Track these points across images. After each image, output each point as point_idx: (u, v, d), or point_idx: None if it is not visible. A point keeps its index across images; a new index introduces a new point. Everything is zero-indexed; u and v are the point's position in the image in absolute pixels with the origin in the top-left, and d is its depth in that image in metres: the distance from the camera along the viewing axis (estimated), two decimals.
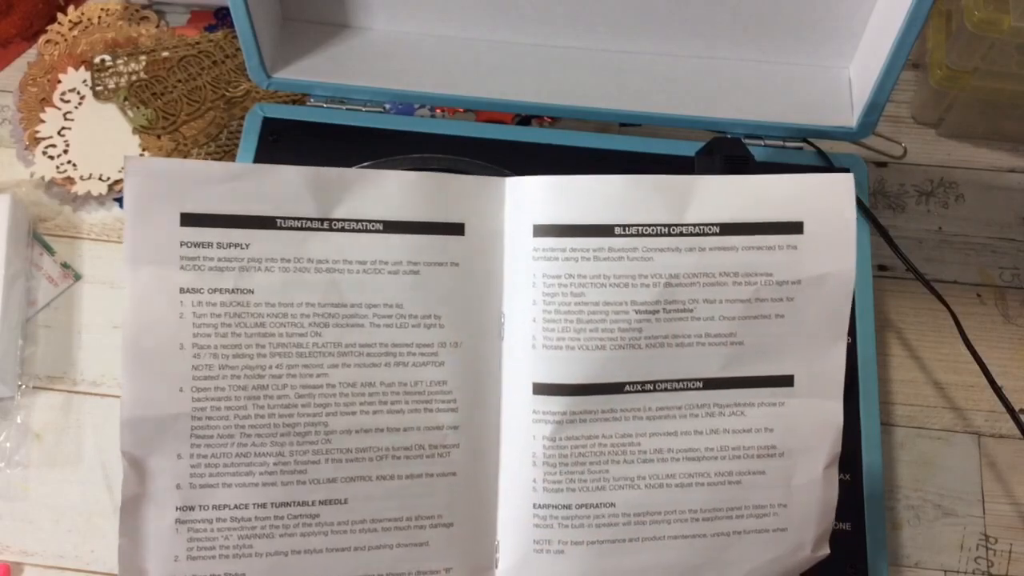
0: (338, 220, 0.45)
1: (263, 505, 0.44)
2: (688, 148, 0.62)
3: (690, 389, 0.46)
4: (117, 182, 0.70)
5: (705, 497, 0.46)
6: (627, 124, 0.69)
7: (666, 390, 0.46)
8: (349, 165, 0.62)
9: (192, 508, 0.43)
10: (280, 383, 0.44)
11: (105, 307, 0.67)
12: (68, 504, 0.61)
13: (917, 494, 0.61)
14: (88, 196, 0.70)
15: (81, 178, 0.70)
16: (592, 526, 0.45)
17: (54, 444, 0.63)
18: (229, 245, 0.43)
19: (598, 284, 0.45)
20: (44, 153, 0.71)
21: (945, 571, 0.59)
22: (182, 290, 0.43)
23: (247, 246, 0.44)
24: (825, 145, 0.64)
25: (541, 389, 0.46)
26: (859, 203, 0.62)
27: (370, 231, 0.45)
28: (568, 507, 0.45)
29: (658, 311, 0.45)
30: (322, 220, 0.45)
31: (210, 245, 0.43)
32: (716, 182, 0.46)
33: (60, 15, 0.77)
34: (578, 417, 0.45)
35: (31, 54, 0.77)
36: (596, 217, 0.46)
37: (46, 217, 0.70)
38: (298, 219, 0.44)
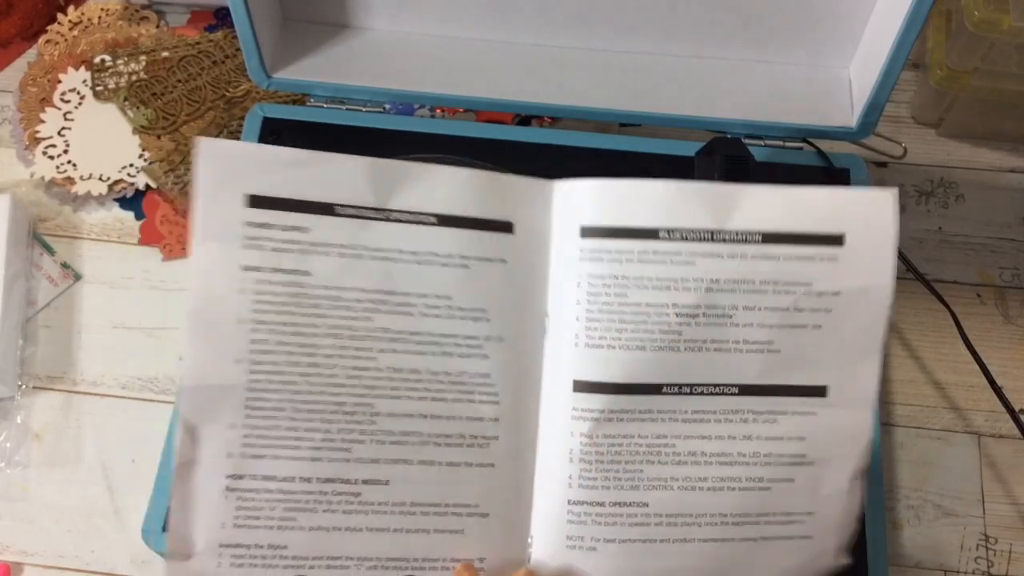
0: (394, 211, 0.46)
1: (308, 479, 0.44)
2: (688, 148, 0.62)
3: (726, 394, 0.46)
4: (117, 182, 0.70)
5: (736, 502, 0.46)
6: (627, 124, 0.69)
7: (703, 394, 0.46)
8: None
9: (242, 477, 0.44)
10: (331, 363, 0.45)
11: (105, 307, 0.67)
12: (68, 504, 0.61)
13: (917, 494, 0.61)
14: (88, 196, 0.70)
15: (81, 178, 0.70)
16: (625, 525, 0.46)
17: (54, 444, 0.63)
18: (291, 228, 0.45)
19: (641, 286, 0.46)
20: (44, 153, 0.71)
21: (945, 571, 0.59)
22: (244, 268, 0.44)
23: (308, 230, 0.45)
24: (825, 145, 0.64)
25: (581, 387, 0.46)
26: None
27: (424, 223, 0.47)
28: (602, 504, 0.46)
29: (698, 315, 0.46)
30: (378, 210, 0.46)
31: (273, 227, 0.45)
32: (761, 191, 0.47)
33: (60, 15, 0.77)
34: (616, 416, 0.46)
35: (31, 54, 0.77)
36: (642, 220, 0.47)
37: (46, 217, 0.70)
38: (356, 207, 0.46)
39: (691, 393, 0.46)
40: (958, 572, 0.59)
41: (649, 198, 0.47)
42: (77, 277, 0.68)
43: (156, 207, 0.70)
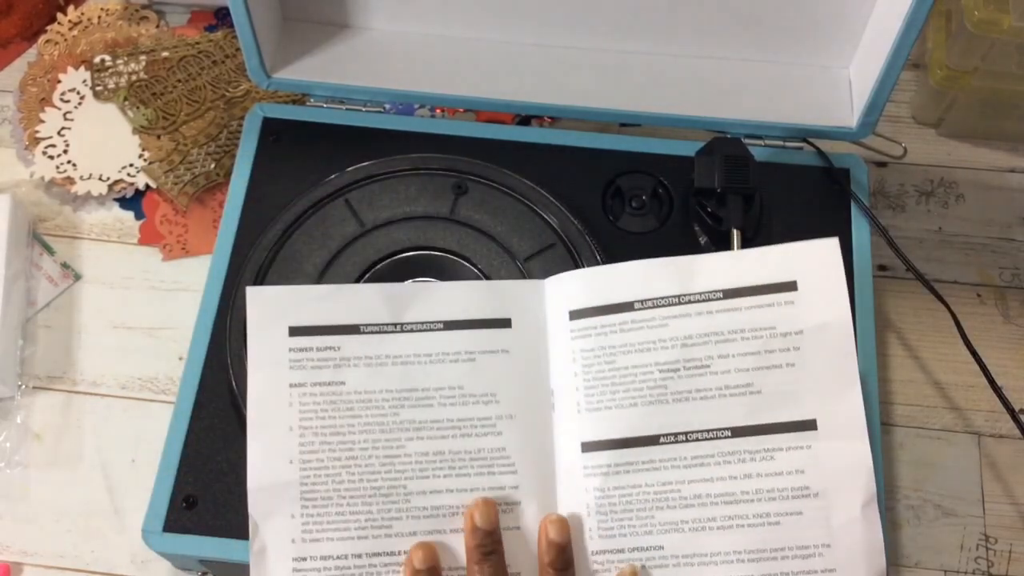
0: (407, 323, 0.54)
1: (359, 555, 0.51)
2: (688, 148, 0.62)
3: (720, 438, 0.51)
4: (117, 182, 0.70)
5: (747, 538, 0.49)
6: (627, 124, 0.69)
7: (697, 440, 0.51)
8: (348, 165, 0.62)
9: (304, 559, 0.51)
10: (367, 454, 0.52)
11: (105, 307, 0.67)
12: (68, 504, 0.61)
13: (917, 494, 0.61)
14: (88, 196, 0.70)
15: (81, 178, 0.70)
16: (646, 569, 0.50)
17: (54, 444, 0.63)
18: (325, 348, 0.53)
19: (626, 351, 0.52)
20: (44, 153, 0.71)
21: (945, 571, 0.59)
22: (291, 385, 0.53)
23: (339, 348, 0.54)
24: (825, 145, 0.64)
25: (588, 447, 0.52)
26: (859, 203, 0.62)
27: (433, 330, 0.54)
28: (622, 551, 0.50)
29: (679, 368, 0.52)
30: (395, 324, 0.54)
31: (311, 349, 0.53)
32: (716, 258, 0.53)
33: (60, 15, 0.77)
34: (623, 468, 0.51)
35: (31, 54, 0.77)
36: (618, 297, 0.53)
37: (46, 217, 0.70)
38: (376, 325, 0.54)
39: (687, 440, 0.51)
40: (958, 572, 0.59)
41: (622, 277, 0.54)
42: (77, 277, 0.68)
43: (156, 207, 0.70)
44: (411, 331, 0.54)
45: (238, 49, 0.73)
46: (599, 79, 0.64)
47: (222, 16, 0.78)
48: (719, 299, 0.52)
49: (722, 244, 0.60)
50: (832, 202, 0.63)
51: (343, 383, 0.53)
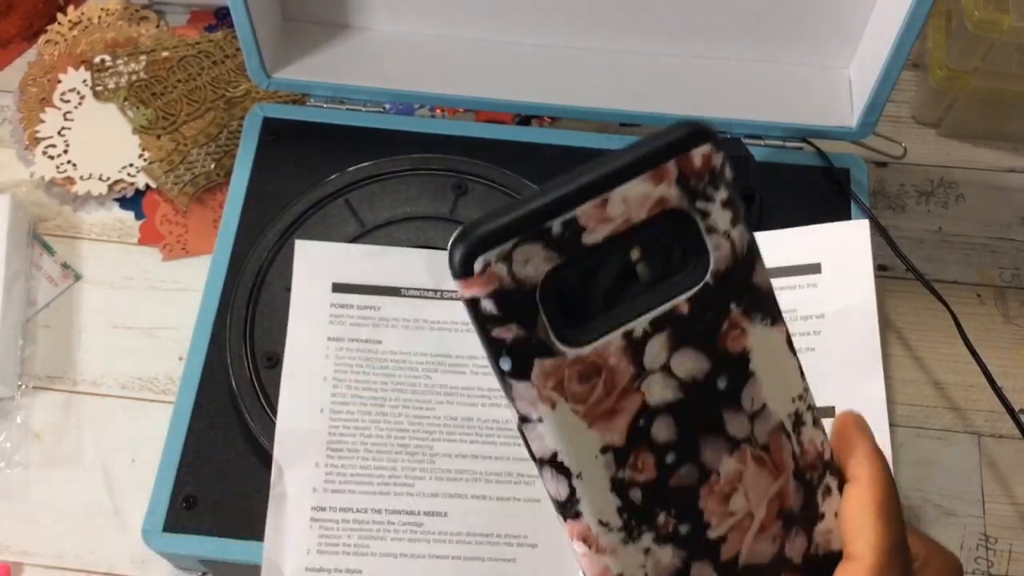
0: (448, 291, 0.56)
1: (379, 511, 0.52)
2: None
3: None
4: (117, 182, 0.70)
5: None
6: (627, 124, 0.69)
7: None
8: (349, 165, 0.62)
9: (324, 509, 0.51)
10: (397, 412, 0.53)
11: (105, 307, 0.67)
12: (68, 504, 0.61)
13: (917, 494, 0.61)
14: (88, 196, 0.70)
15: (81, 178, 0.70)
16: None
17: (54, 444, 0.63)
18: (366, 307, 0.55)
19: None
20: (44, 153, 0.71)
21: None
22: (329, 338, 0.54)
23: (379, 308, 0.55)
24: (825, 145, 0.64)
25: None
26: (859, 203, 0.62)
27: None
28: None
29: None
30: (435, 291, 0.56)
31: (352, 307, 0.55)
32: None
33: (60, 15, 0.77)
34: None
35: (31, 54, 0.77)
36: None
37: (46, 217, 0.70)
38: (417, 289, 0.56)
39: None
40: None
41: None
42: (77, 277, 0.68)
43: (156, 207, 0.70)
44: (451, 299, 0.56)
45: (238, 49, 0.73)
46: (599, 79, 0.64)
47: (222, 16, 0.78)
48: None
49: None
50: (832, 202, 0.63)
51: (380, 342, 0.54)
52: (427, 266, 0.56)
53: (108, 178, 0.70)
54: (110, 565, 0.59)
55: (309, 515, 0.51)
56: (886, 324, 0.66)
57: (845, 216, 0.62)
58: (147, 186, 0.70)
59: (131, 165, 0.71)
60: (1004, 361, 0.65)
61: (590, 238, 0.28)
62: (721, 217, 0.28)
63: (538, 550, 0.51)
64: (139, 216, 0.70)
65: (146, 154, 0.71)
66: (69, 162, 0.71)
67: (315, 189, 0.61)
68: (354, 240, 0.60)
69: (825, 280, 0.51)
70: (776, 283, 0.49)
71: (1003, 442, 0.63)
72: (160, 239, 0.69)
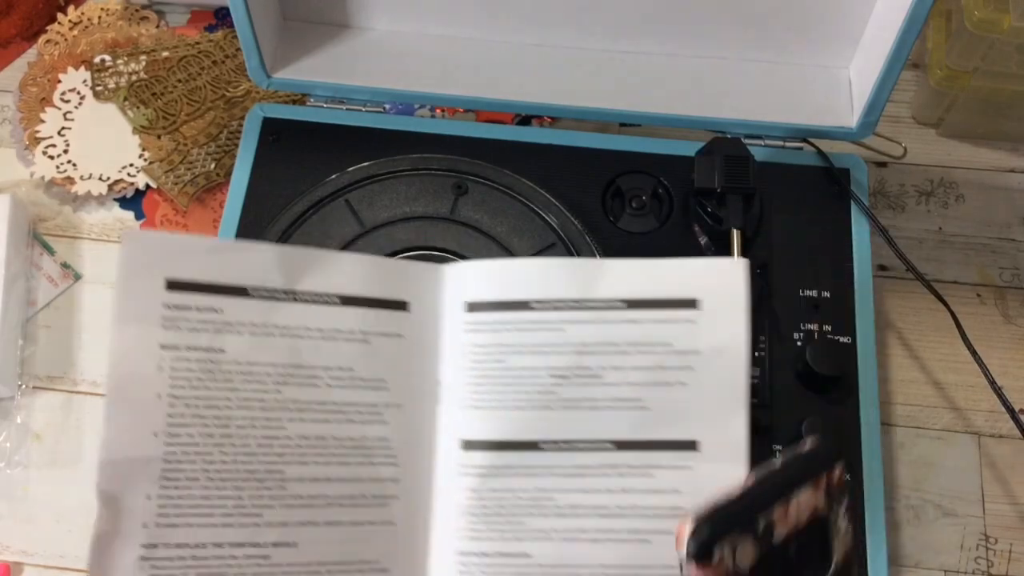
0: (301, 292, 0.51)
1: (220, 545, 0.47)
2: (688, 148, 0.62)
3: (602, 450, 0.49)
4: (117, 182, 0.70)
5: (616, 553, 0.48)
6: (627, 124, 0.69)
7: (579, 450, 0.49)
8: (349, 165, 0.62)
9: (156, 546, 0.46)
10: (243, 433, 0.48)
11: (105, 307, 0.67)
12: (68, 504, 0.61)
13: (917, 494, 0.61)
14: (88, 196, 0.70)
15: (81, 178, 0.70)
16: (509, 574, 0.48)
17: (54, 444, 0.63)
18: (206, 309, 0.48)
19: (518, 352, 0.51)
20: (44, 153, 0.71)
21: (945, 571, 0.59)
22: (162, 346, 0.47)
23: (221, 311, 0.49)
24: (825, 145, 0.64)
25: (468, 445, 0.50)
26: (859, 203, 0.62)
27: (328, 303, 0.51)
28: (486, 555, 0.49)
29: (570, 376, 0.50)
30: (287, 292, 0.50)
31: (189, 308, 0.48)
32: (622, 264, 0.52)
33: (60, 15, 0.77)
34: (499, 471, 0.49)
35: (31, 54, 0.77)
36: (517, 294, 0.51)
37: (46, 217, 0.70)
38: (267, 290, 0.50)
39: (569, 449, 0.49)
40: (958, 572, 0.59)
41: (523, 274, 0.52)
42: (77, 277, 0.68)
43: (156, 207, 0.70)
44: (305, 301, 0.50)
45: (238, 49, 0.73)
46: (599, 79, 0.64)
47: (222, 16, 0.78)
48: (620, 309, 0.51)
49: (722, 244, 0.60)
50: (832, 202, 0.63)
51: (223, 351, 0.48)
52: (278, 263, 0.50)
53: (108, 178, 0.70)
54: None
55: (138, 554, 0.45)
56: (886, 324, 0.66)
57: (845, 216, 0.62)
58: (147, 186, 0.70)
59: (131, 165, 0.71)
60: (1004, 361, 0.65)
61: (776, 537, 0.34)
62: (843, 521, 0.37)
63: (390, 574, 0.49)
64: (139, 216, 0.70)
65: (146, 154, 0.71)
66: (69, 162, 0.71)
67: (315, 189, 0.61)
68: (354, 240, 0.60)
69: (702, 316, 0.50)
70: (652, 315, 0.50)
71: (1003, 442, 0.63)
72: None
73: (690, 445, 0.49)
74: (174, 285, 0.48)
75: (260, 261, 0.50)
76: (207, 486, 0.47)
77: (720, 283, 0.51)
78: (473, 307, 0.52)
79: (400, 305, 0.52)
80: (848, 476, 0.47)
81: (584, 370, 0.50)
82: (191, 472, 0.47)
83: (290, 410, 0.49)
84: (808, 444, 0.41)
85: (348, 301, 0.51)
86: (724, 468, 0.49)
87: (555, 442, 0.50)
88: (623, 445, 0.49)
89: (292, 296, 0.50)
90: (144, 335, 0.47)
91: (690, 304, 0.50)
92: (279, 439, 0.48)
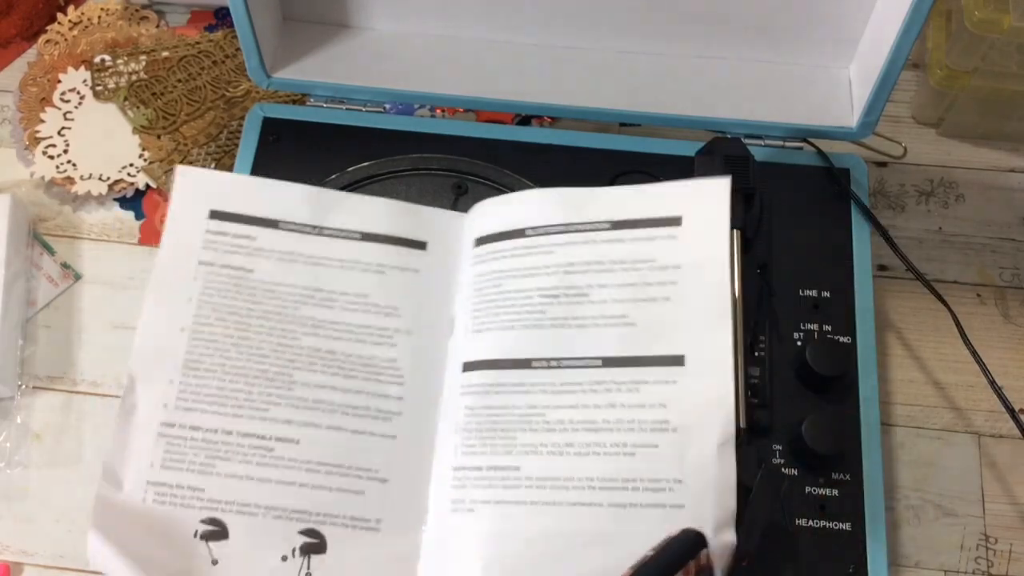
0: (327, 228, 0.57)
1: (229, 432, 0.52)
2: (688, 148, 0.62)
3: (590, 367, 0.51)
4: (117, 182, 0.70)
5: (602, 466, 0.49)
6: (627, 124, 0.69)
7: (569, 367, 0.52)
8: (349, 165, 0.63)
9: (172, 425, 0.52)
10: (260, 339, 0.54)
11: (105, 307, 0.67)
12: (68, 504, 0.61)
13: (917, 494, 0.61)
14: (88, 196, 0.70)
15: (81, 178, 0.70)
16: (499, 487, 0.50)
17: (54, 444, 0.63)
18: (241, 236, 0.56)
19: (512, 276, 0.54)
20: (44, 153, 0.71)
21: (945, 571, 0.59)
22: (200, 263, 0.55)
23: (254, 238, 0.56)
24: (825, 145, 0.64)
25: (469, 367, 0.53)
26: (859, 203, 0.62)
27: (350, 239, 0.57)
28: (479, 468, 0.51)
29: (559, 295, 0.53)
30: (313, 227, 0.57)
31: (227, 235, 0.56)
32: (612, 190, 0.55)
33: (60, 15, 0.77)
34: (493, 389, 0.52)
35: (31, 54, 0.77)
36: (514, 223, 0.55)
37: (46, 217, 0.70)
38: (296, 224, 0.57)
39: (558, 367, 0.52)
40: (958, 572, 0.59)
41: (520, 204, 0.56)
42: (77, 277, 0.68)
43: (156, 207, 0.70)
44: (328, 236, 0.56)
45: (238, 49, 0.73)
46: (599, 79, 0.64)
47: (222, 16, 0.78)
48: (605, 229, 0.53)
49: None
50: (832, 202, 0.63)
51: (252, 271, 0.55)
52: (308, 202, 0.57)
53: (108, 178, 0.70)
54: None
55: (157, 430, 0.52)
56: (886, 324, 0.66)
57: (845, 216, 0.62)
58: (147, 186, 0.70)
59: (131, 165, 0.71)
60: (1004, 361, 0.65)
61: None
62: None
63: (388, 485, 0.52)
64: (139, 216, 0.70)
65: (146, 154, 0.71)
66: (69, 162, 0.71)
67: None
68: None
69: (684, 233, 0.52)
70: (636, 234, 0.52)
71: (1003, 442, 0.63)
72: (160, 239, 0.69)
73: (676, 360, 0.50)
74: (216, 214, 0.56)
75: (292, 199, 0.57)
76: (222, 379, 0.53)
77: (703, 201, 0.53)
78: (479, 241, 0.56)
79: (418, 244, 0.57)
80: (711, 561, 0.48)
81: (572, 289, 0.53)
82: (210, 365, 0.53)
83: (305, 325, 0.54)
84: (677, 532, 0.45)
85: (368, 237, 0.56)
86: (709, 382, 0.50)
87: (546, 360, 0.52)
88: (610, 362, 0.51)
89: (318, 231, 0.56)
90: (187, 251, 0.55)
91: (673, 222, 0.52)
92: (292, 347, 0.54)
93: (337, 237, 0.56)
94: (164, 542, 0.50)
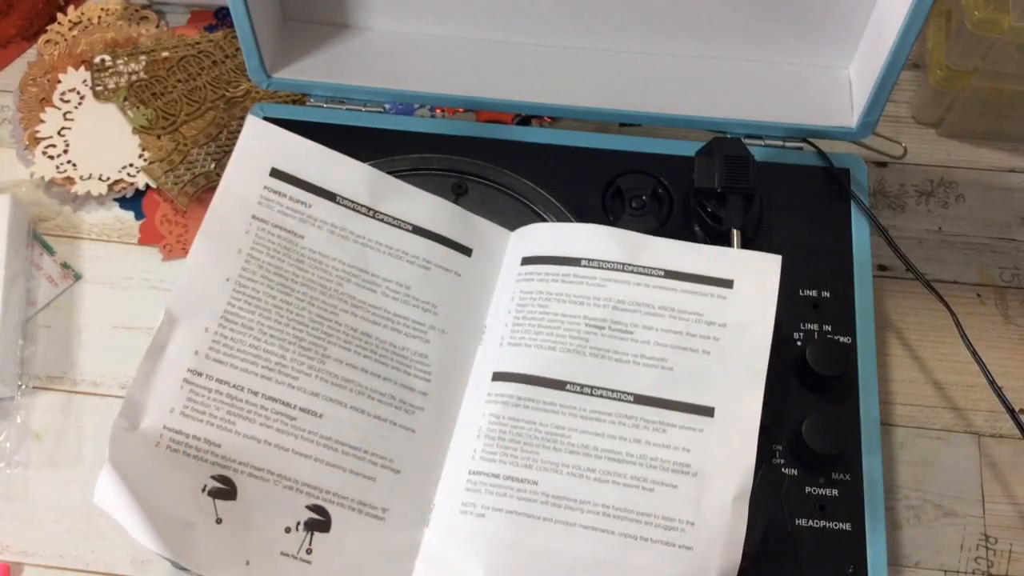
0: (381, 213, 0.57)
1: (255, 392, 0.51)
2: (688, 148, 0.62)
3: (622, 400, 0.52)
4: (117, 182, 0.70)
5: (618, 495, 0.50)
6: (627, 124, 0.69)
7: (601, 396, 0.52)
8: None
9: (200, 374, 0.51)
10: (301, 306, 0.54)
11: (105, 307, 0.67)
12: (68, 504, 0.61)
13: (917, 494, 0.61)
14: (88, 196, 0.70)
15: (81, 178, 0.70)
16: (514, 497, 0.50)
17: (54, 444, 0.63)
18: (297, 201, 0.56)
19: (560, 300, 0.54)
20: (44, 153, 0.71)
21: (945, 571, 0.59)
22: (254, 217, 0.55)
23: (310, 206, 0.56)
24: (825, 145, 0.64)
25: (499, 376, 0.54)
26: (859, 203, 0.62)
27: (402, 228, 0.57)
28: (496, 476, 0.51)
29: (604, 327, 0.54)
30: (369, 208, 0.57)
31: (284, 196, 0.56)
32: (666, 242, 0.56)
33: (60, 15, 0.77)
34: (523, 403, 0.52)
35: (31, 54, 0.77)
36: (570, 251, 0.56)
37: (46, 217, 0.70)
38: (353, 202, 0.57)
39: (591, 394, 0.52)
40: (958, 572, 0.59)
41: (579, 236, 0.56)
42: (77, 277, 0.68)
43: (156, 207, 0.70)
44: (381, 220, 0.57)
45: (238, 49, 0.73)
46: (599, 79, 0.64)
47: (222, 16, 0.78)
48: (659, 276, 0.54)
49: (722, 244, 0.60)
50: (832, 202, 0.63)
51: (303, 237, 0.55)
52: (370, 182, 0.57)
53: (108, 178, 0.70)
54: (110, 565, 0.59)
55: (183, 375, 0.51)
56: (886, 324, 0.66)
57: (845, 216, 0.62)
58: (147, 186, 0.70)
59: (131, 165, 0.71)
60: (1004, 361, 0.65)
61: None
62: None
63: (400, 476, 0.52)
64: (139, 216, 0.70)
65: (146, 154, 0.71)
66: (69, 162, 0.71)
67: None
68: None
69: (734, 296, 0.54)
70: (688, 287, 0.54)
71: (1003, 442, 0.63)
72: (160, 239, 0.69)
73: (706, 411, 0.51)
74: (277, 173, 0.56)
75: (354, 175, 0.57)
76: (258, 337, 0.52)
77: (755, 271, 0.54)
78: (528, 260, 0.57)
79: (464, 250, 0.58)
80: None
81: (618, 324, 0.53)
82: (248, 321, 0.53)
83: (346, 303, 0.55)
84: None
85: (419, 231, 0.57)
86: (734, 437, 0.50)
87: (580, 385, 0.52)
88: (642, 399, 0.52)
89: (372, 213, 0.57)
90: (243, 203, 0.55)
91: (725, 284, 0.54)
92: (329, 321, 0.54)
93: (389, 224, 0.57)
94: (171, 490, 0.49)
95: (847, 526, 0.54)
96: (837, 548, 0.54)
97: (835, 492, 0.55)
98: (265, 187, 0.56)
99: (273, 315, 0.53)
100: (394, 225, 0.57)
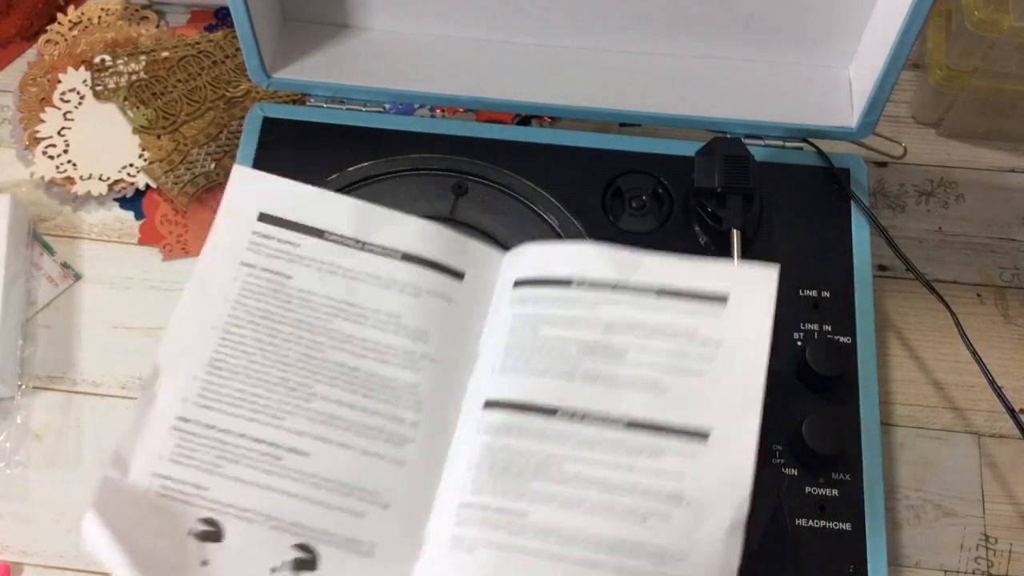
0: (370, 244, 0.57)
1: (242, 435, 0.52)
2: (688, 148, 0.62)
3: (614, 426, 0.51)
4: (117, 182, 0.70)
5: (610, 527, 0.49)
6: (627, 124, 0.69)
7: (593, 423, 0.51)
8: (348, 165, 0.62)
9: (188, 420, 0.52)
10: (287, 346, 0.54)
11: (105, 307, 0.67)
12: (68, 504, 0.61)
13: (917, 494, 0.61)
14: (88, 196, 0.70)
15: (81, 178, 0.70)
16: (503, 530, 0.49)
17: (54, 444, 0.63)
18: (285, 242, 0.56)
19: (551, 323, 0.53)
20: (44, 153, 0.71)
21: (945, 571, 0.59)
22: (242, 263, 0.56)
23: (298, 245, 0.56)
24: (825, 145, 0.64)
25: (490, 404, 0.53)
26: (859, 203, 0.62)
27: (391, 257, 0.57)
28: (486, 508, 0.50)
29: (595, 351, 0.52)
30: (357, 241, 0.57)
31: (272, 239, 0.57)
32: (661, 257, 0.54)
33: (60, 15, 0.77)
34: (514, 431, 0.51)
35: (31, 54, 0.77)
36: (561, 272, 0.55)
37: (46, 217, 0.70)
38: (341, 236, 0.57)
39: (582, 420, 0.51)
40: (958, 572, 0.59)
41: (570, 256, 0.55)
42: (77, 277, 0.68)
43: (156, 207, 0.70)
44: (370, 251, 0.57)
45: (238, 49, 0.73)
46: (599, 79, 0.64)
47: (222, 16, 0.78)
48: (652, 295, 0.53)
49: (722, 244, 0.60)
50: (832, 202, 0.63)
51: (291, 277, 0.56)
52: (356, 216, 0.57)
53: (108, 178, 0.70)
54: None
55: (172, 423, 0.52)
56: (886, 324, 0.66)
57: (845, 216, 0.62)
58: (147, 186, 0.70)
59: (131, 165, 0.71)
60: (1004, 361, 0.65)
61: None
62: None
63: (389, 511, 0.51)
64: (139, 216, 0.70)
65: (146, 154, 0.71)
66: (69, 162, 0.71)
67: None
68: None
69: (728, 312, 0.52)
70: (681, 306, 0.52)
71: (1003, 442, 0.63)
72: (160, 239, 0.69)
73: (700, 435, 0.50)
74: (265, 217, 0.57)
75: (341, 211, 0.57)
76: (244, 381, 0.53)
77: (750, 286, 0.52)
78: (520, 283, 0.56)
79: (456, 274, 0.57)
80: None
81: (609, 347, 0.52)
82: (234, 366, 0.53)
83: (334, 338, 0.54)
84: None
85: (409, 258, 0.57)
86: (730, 462, 0.49)
87: (572, 411, 0.51)
88: (635, 425, 0.50)
89: (361, 245, 0.57)
90: (231, 251, 0.56)
91: (719, 300, 0.52)
92: (316, 359, 0.54)
93: (378, 254, 0.56)
94: (158, 535, 0.50)
95: (847, 526, 0.54)
96: (837, 548, 0.54)
97: (835, 492, 0.55)
98: (254, 232, 0.56)
99: (258, 358, 0.53)
100: (383, 255, 0.56)
